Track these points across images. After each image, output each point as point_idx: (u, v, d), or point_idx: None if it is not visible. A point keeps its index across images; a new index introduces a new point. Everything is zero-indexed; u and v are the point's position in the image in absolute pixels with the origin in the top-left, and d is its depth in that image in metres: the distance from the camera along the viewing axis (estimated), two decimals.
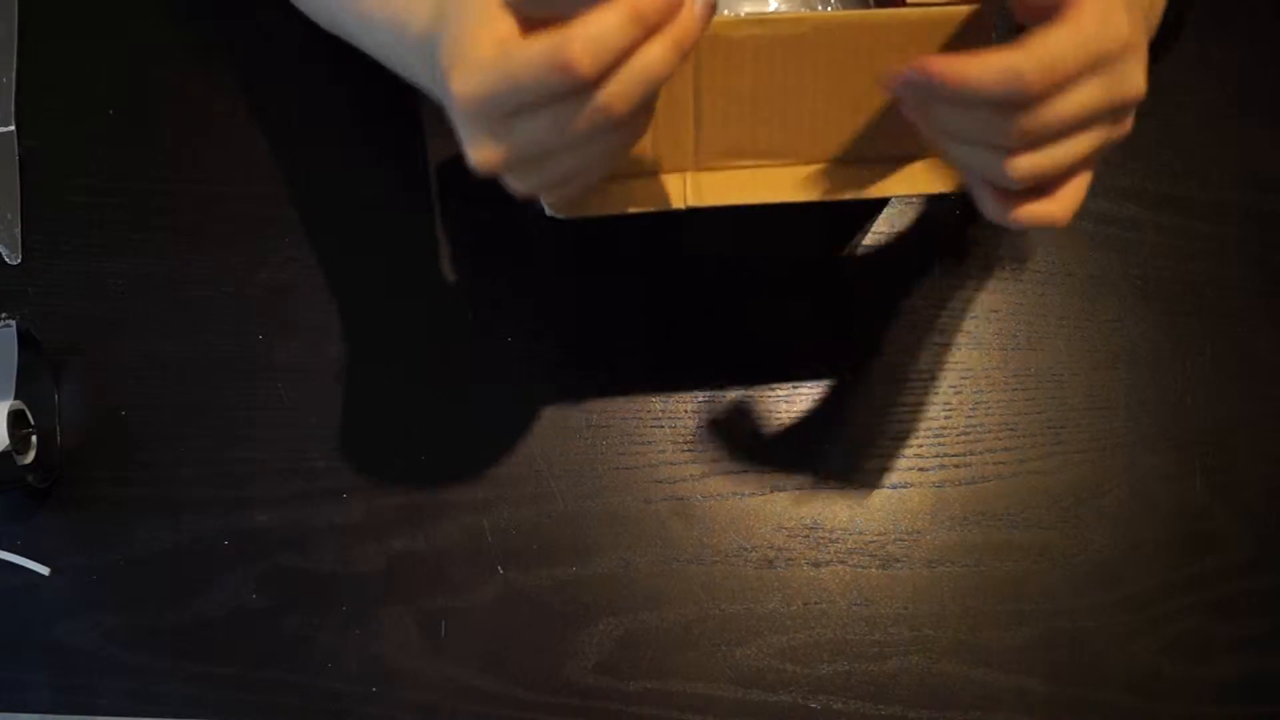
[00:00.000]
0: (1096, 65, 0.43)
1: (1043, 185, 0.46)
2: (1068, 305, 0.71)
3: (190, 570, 0.65)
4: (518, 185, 0.45)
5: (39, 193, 0.72)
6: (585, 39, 0.39)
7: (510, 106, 0.41)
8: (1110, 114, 0.45)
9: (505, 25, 0.41)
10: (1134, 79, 0.44)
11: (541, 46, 0.40)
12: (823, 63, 0.52)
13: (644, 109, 0.43)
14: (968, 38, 0.51)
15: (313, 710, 0.64)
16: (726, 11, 0.56)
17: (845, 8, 0.57)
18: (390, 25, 0.50)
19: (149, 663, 0.64)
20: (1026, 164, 0.44)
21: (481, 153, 0.43)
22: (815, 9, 0.57)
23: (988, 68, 0.42)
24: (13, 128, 0.73)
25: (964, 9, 0.51)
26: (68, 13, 0.76)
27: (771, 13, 0.56)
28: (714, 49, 0.51)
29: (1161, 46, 0.51)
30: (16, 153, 0.72)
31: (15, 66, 0.74)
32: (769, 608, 0.66)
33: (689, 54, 0.42)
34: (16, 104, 0.73)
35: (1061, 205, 0.47)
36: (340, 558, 0.66)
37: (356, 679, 0.64)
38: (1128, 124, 0.47)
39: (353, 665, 0.64)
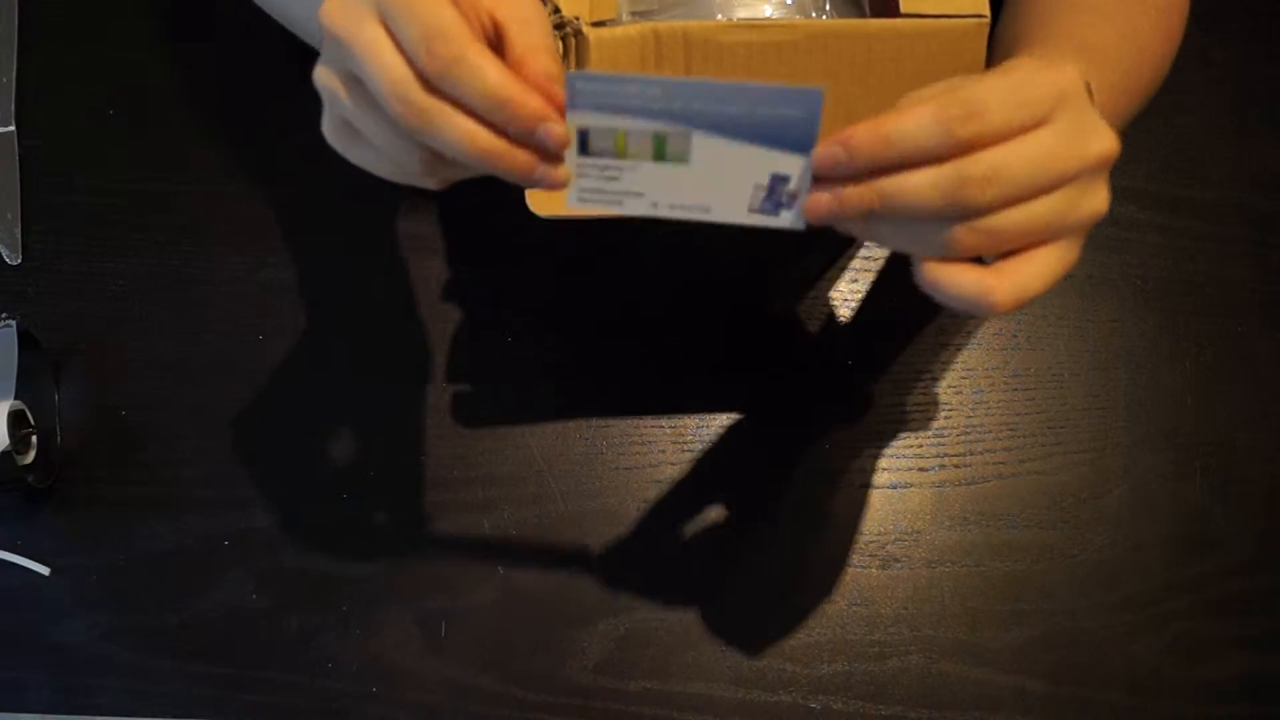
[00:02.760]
0: (1042, 111, 0.39)
1: (988, 253, 0.41)
2: (1068, 305, 0.71)
3: (190, 570, 0.65)
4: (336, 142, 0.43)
5: (39, 193, 0.72)
6: (466, 53, 0.37)
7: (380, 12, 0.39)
8: (1075, 173, 0.40)
9: None
10: (1098, 133, 0.40)
11: (451, 13, 0.38)
12: (815, 71, 0.52)
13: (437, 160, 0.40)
14: (963, 50, 0.51)
15: (313, 710, 0.64)
16: (720, 16, 0.56)
17: (840, 16, 0.57)
18: None
19: (149, 663, 0.64)
20: (972, 232, 0.39)
21: (321, 72, 0.41)
22: (810, 16, 0.57)
23: (906, 120, 0.38)
24: (13, 128, 0.73)
25: (959, 21, 0.51)
26: (68, 13, 0.76)
27: (765, 18, 0.56)
28: (706, 54, 0.51)
29: None
30: (16, 153, 0.72)
31: (15, 66, 0.74)
32: (769, 608, 0.66)
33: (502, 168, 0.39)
34: (16, 104, 0.73)
35: (1007, 279, 0.40)
36: (340, 558, 0.66)
37: (356, 679, 0.64)
38: (1100, 194, 0.41)
39: (353, 665, 0.64)
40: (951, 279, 0.40)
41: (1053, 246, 0.41)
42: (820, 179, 0.40)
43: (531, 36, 0.40)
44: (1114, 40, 0.53)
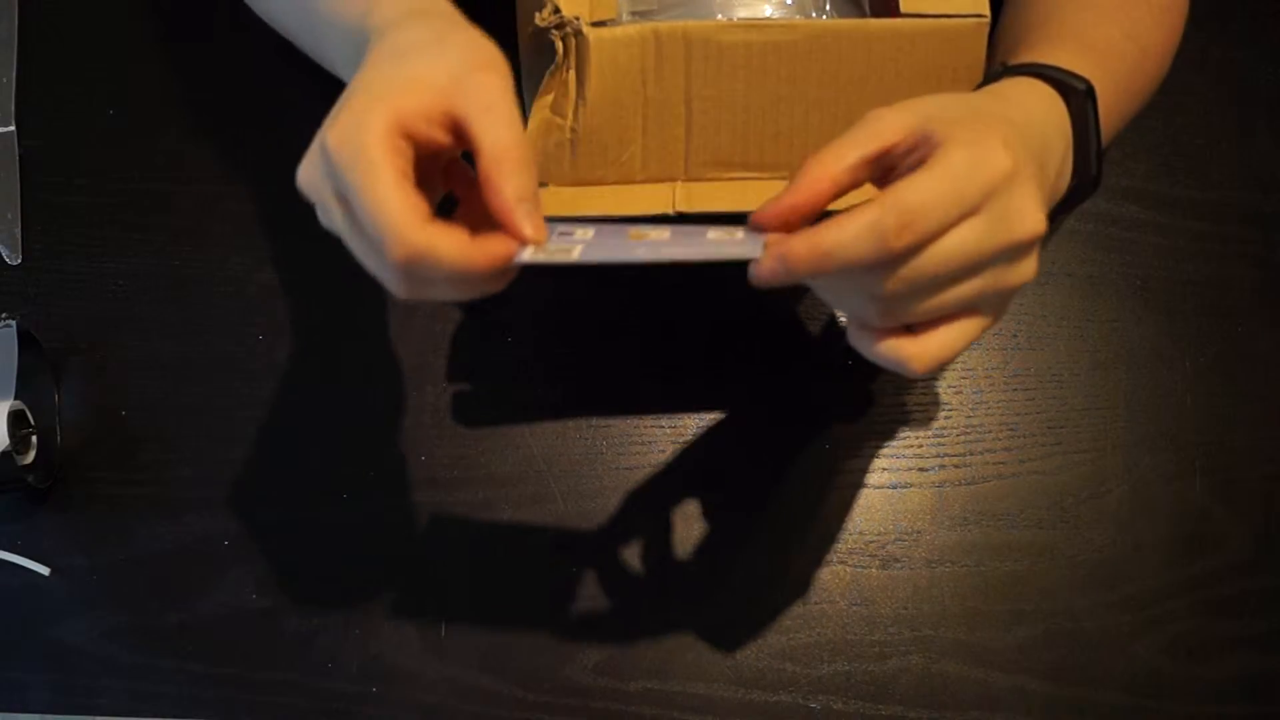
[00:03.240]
0: (972, 206, 0.39)
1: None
2: (1068, 305, 0.71)
3: (190, 570, 0.65)
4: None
5: (39, 193, 0.72)
6: (417, 245, 0.40)
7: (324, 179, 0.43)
8: (1000, 256, 0.41)
9: (403, 115, 0.41)
10: (1024, 216, 0.40)
11: (398, 204, 0.40)
12: (815, 72, 0.52)
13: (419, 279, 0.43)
14: (963, 50, 0.51)
15: (313, 710, 0.64)
16: (720, 16, 0.56)
17: (840, 16, 0.57)
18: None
19: (149, 663, 0.64)
20: (895, 310, 0.41)
21: (303, 171, 0.45)
22: (810, 16, 0.57)
23: (844, 235, 0.39)
24: (13, 128, 0.73)
25: (959, 21, 0.51)
26: (68, 13, 0.76)
27: (765, 18, 0.56)
28: (706, 54, 0.51)
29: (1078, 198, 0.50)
30: (16, 153, 0.72)
31: (15, 66, 0.74)
32: (769, 608, 0.65)
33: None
34: (16, 104, 0.73)
35: (923, 349, 0.42)
36: (340, 558, 0.66)
37: (356, 679, 0.64)
38: (1027, 266, 0.42)
39: (353, 665, 0.64)
40: (871, 348, 0.43)
41: (974, 317, 0.43)
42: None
43: (497, 134, 0.41)
44: (1117, 39, 0.54)
